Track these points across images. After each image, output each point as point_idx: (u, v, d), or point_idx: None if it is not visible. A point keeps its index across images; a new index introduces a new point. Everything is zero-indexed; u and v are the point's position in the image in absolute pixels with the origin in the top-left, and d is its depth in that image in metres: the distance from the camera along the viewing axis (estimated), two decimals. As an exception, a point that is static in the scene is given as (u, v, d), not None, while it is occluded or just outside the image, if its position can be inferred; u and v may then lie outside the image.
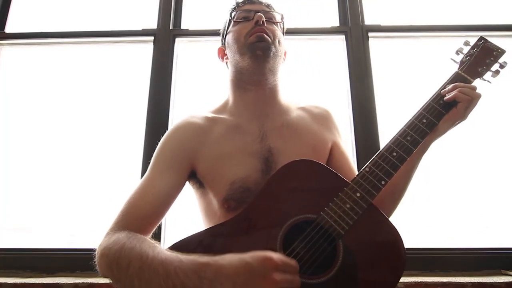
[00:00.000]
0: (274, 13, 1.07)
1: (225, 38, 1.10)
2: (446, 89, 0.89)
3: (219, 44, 1.17)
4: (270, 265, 0.62)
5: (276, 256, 0.63)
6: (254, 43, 0.98)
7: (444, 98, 0.88)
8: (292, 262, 0.65)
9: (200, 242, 0.80)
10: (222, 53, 1.14)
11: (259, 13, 1.00)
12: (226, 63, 1.10)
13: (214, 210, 0.95)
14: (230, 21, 1.08)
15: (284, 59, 1.12)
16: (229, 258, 0.65)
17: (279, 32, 1.04)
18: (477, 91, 0.87)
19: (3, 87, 1.77)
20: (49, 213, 1.58)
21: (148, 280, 0.67)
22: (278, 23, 1.07)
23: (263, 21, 0.99)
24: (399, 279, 0.74)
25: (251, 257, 0.64)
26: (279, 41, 1.02)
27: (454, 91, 0.87)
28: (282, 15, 1.09)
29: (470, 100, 0.85)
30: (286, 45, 1.12)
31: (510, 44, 1.70)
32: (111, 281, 0.75)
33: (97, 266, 0.78)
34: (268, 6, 1.08)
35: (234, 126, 1.00)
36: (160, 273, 0.66)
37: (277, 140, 0.98)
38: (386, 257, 0.76)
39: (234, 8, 1.08)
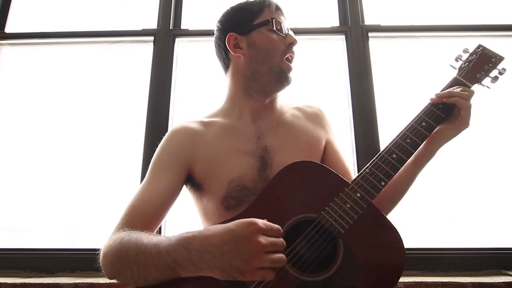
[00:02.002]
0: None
1: (248, 30, 1.01)
2: (442, 93, 0.91)
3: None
4: (254, 229, 0.63)
5: (260, 221, 0.65)
6: (285, 72, 1.00)
7: (445, 100, 0.90)
8: (275, 226, 0.66)
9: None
10: (234, 42, 1.03)
11: (295, 37, 1.02)
12: (239, 56, 1.02)
13: (213, 210, 0.96)
14: (261, 18, 1.01)
15: None
16: (214, 229, 0.68)
17: None
18: (474, 94, 0.90)
19: (3, 87, 1.77)
20: (49, 213, 1.58)
21: (144, 264, 0.70)
22: None
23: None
24: (399, 278, 0.75)
25: (235, 224, 0.66)
26: None
27: (454, 97, 0.89)
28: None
29: (469, 106, 0.88)
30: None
31: (510, 44, 1.72)
32: (115, 280, 0.77)
33: (102, 269, 0.79)
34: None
35: (230, 127, 1.02)
36: (153, 255, 0.69)
37: (272, 139, 1.00)
38: (385, 256, 0.76)
39: (263, 8, 1.02)
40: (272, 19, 1.01)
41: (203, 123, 1.04)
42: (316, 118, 1.10)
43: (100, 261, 0.80)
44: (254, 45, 1.00)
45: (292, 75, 1.01)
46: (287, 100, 1.14)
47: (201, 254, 0.65)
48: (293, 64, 1.03)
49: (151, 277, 0.70)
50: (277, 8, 1.05)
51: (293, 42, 1.01)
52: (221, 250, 0.63)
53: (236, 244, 0.63)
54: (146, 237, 0.74)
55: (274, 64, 0.99)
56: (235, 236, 0.64)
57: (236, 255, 0.62)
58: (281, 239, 0.65)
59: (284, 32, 1.01)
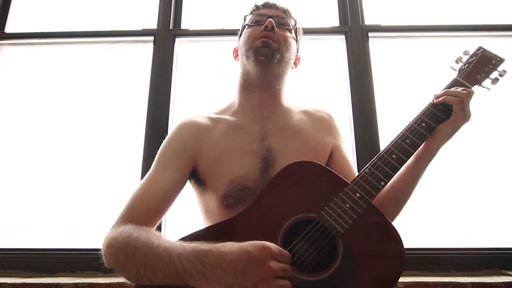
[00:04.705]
0: (289, 19, 1.09)
1: (239, 40, 1.12)
2: (438, 93, 0.92)
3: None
4: (268, 254, 0.65)
5: (273, 246, 0.67)
6: (258, 48, 1.00)
7: (435, 100, 0.91)
8: (286, 252, 0.68)
9: (200, 240, 0.81)
10: (236, 54, 1.16)
11: (270, 19, 1.02)
12: (237, 61, 1.13)
13: (213, 208, 0.96)
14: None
15: (297, 64, 1.16)
16: (230, 246, 0.68)
17: (289, 39, 1.06)
18: (473, 94, 0.90)
19: (3, 87, 1.77)
20: (49, 213, 1.58)
21: (152, 266, 0.70)
22: (292, 30, 1.08)
23: (272, 26, 1.01)
24: (399, 278, 0.74)
25: (251, 246, 0.67)
26: (287, 48, 1.04)
27: (444, 95, 0.90)
28: (295, 21, 1.10)
29: (460, 100, 0.87)
30: (302, 51, 1.13)
31: (510, 44, 1.72)
32: (117, 271, 0.78)
33: (103, 258, 0.80)
34: (285, 12, 1.10)
35: (236, 126, 1.03)
36: (164, 259, 0.70)
37: (277, 140, 1.00)
38: (385, 256, 0.76)
39: (251, 12, 1.11)
40: (245, 16, 1.10)
41: (211, 119, 1.05)
42: (324, 123, 1.10)
43: (103, 250, 0.80)
44: (239, 46, 1.10)
45: (266, 50, 1.00)
46: (296, 102, 1.15)
47: (214, 269, 0.65)
48: (276, 43, 1.01)
49: (157, 280, 0.71)
50: (264, 6, 1.10)
51: (267, 25, 1.01)
52: (234, 269, 0.64)
53: (249, 265, 0.64)
54: (157, 238, 0.75)
55: (247, 50, 1.03)
56: (250, 257, 0.65)
57: (247, 277, 0.64)
58: (289, 267, 0.67)
59: (262, 21, 1.03)
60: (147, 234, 0.77)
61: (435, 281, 1.25)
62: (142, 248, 0.73)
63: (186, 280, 0.67)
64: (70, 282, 1.26)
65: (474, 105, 0.90)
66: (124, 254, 0.75)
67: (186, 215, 1.38)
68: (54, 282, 1.28)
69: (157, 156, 1.00)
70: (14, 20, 1.87)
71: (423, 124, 0.88)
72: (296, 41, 1.11)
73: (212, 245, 0.69)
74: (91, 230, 1.55)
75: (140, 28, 1.82)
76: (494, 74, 0.95)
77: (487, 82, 0.95)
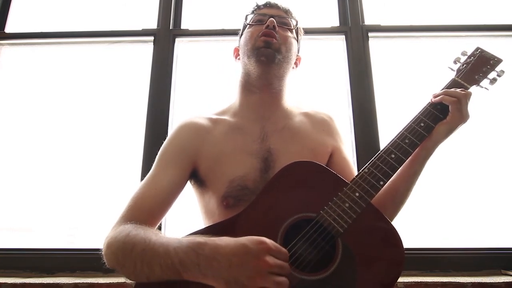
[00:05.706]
0: (290, 19, 1.09)
1: (240, 39, 1.12)
2: (436, 93, 0.92)
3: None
4: (263, 248, 0.65)
5: (269, 241, 0.66)
6: (260, 49, 1.00)
7: (433, 100, 0.91)
8: (284, 249, 0.68)
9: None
10: (236, 53, 1.16)
11: (272, 18, 1.02)
12: (238, 60, 1.13)
13: (213, 208, 0.97)
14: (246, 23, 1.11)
15: (297, 64, 1.16)
16: (226, 239, 0.68)
17: (290, 39, 1.06)
18: (471, 95, 0.90)
19: (3, 87, 1.77)
20: (49, 213, 1.58)
21: (149, 261, 0.71)
22: (293, 30, 1.08)
23: (274, 26, 1.01)
24: (398, 277, 0.74)
25: (247, 240, 0.67)
26: (288, 48, 1.04)
27: (441, 95, 0.90)
28: (297, 21, 1.10)
29: (456, 101, 0.87)
30: (302, 51, 1.14)
31: (510, 44, 1.72)
32: (117, 270, 0.78)
33: (104, 257, 0.81)
34: (286, 12, 1.10)
35: (236, 126, 1.03)
36: (160, 254, 0.70)
37: (277, 141, 1.00)
38: (384, 255, 0.76)
39: (252, 11, 1.11)
40: (246, 16, 1.11)
41: (211, 120, 1.06)
42: (324, 125, 1.10)
43: (103, 250, 0.81)
44: (240, 46, 1.10)
45: (268, 50, 0.99)
46: (297, 103, 1.15)
47: (210, 261, 0.65)
48: (277, 42, 1.01)
49: (153, 276, 0.71)
50: (265, 5, 1.10)
51: (269, 24, 1.01)
52: (229, 262, 0.64)
53: (245, 259, 0.64)
54: (155, 235, 0.75)
55: (248, 49, 1.03)
56: (245, 250, 0.65)
57: (242, 270, 0.63)
58: (287, 264, 0.66)
59: (264, 21, 1.03)
60: (145, 231, 0.77)
61: (435, 281, 1.25)
62: (140, 244, 0.73)
63: (181, 273, 0.68)
64: (70, 282, 1.26)
65: (474, 105, 0.90)
66: (123, 252, 0.75)
67: (186, 215, 1.38)
68: (54, 282, 1.28)
69: (157, 157, 1.00)
70: (14, 20, 1.87)
71: (422, 124, 0.88)
72: (297, 41, 1.11)
73: (208, 238, 0.70)
74: (91, 230, 1.56)
75: (140, 28, 1.82)
76: (492, 74, 0.95)
77: (485, 82, 0.95)
